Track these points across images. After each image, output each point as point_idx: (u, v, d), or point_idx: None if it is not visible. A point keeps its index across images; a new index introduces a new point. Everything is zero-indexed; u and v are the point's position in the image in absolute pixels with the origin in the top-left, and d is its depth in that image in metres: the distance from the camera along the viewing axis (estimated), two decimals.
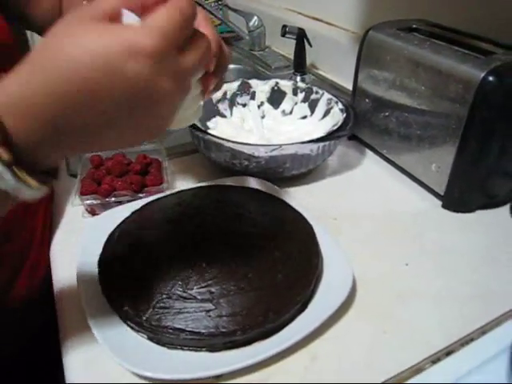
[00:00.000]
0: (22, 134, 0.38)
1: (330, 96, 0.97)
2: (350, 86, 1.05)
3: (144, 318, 0.56)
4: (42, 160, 0.40)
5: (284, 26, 1.30)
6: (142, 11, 0.41)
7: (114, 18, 0.40)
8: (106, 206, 0.79)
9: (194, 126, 0.85)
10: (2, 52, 0.64)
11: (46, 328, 0.69)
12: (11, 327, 0.76)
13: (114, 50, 0.37)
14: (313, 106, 1.01)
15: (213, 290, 0.59)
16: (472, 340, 0.59)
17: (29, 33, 1.63)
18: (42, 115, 0.38)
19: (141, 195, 0.81)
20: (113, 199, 0.79)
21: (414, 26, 0.90)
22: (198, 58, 0.42)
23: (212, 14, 1.60)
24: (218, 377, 0.53)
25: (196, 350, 0.56)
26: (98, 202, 0.78)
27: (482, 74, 0.69)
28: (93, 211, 0.80)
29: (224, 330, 0.55)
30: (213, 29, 0.52)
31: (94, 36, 0.37)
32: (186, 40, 0.41)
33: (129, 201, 0.79)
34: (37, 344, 0.81)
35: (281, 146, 0.79)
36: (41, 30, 0.80)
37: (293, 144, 0.80)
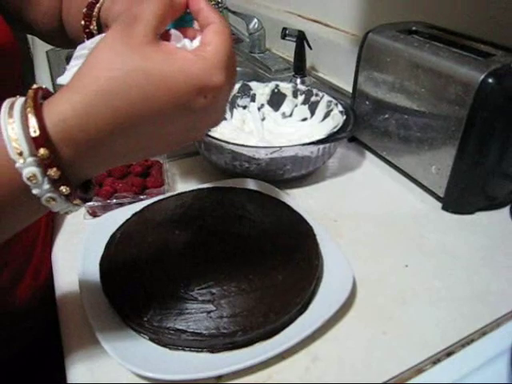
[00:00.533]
0: (75, 159, 0.40)
1: (329, 98, 0.97)
2: (349, 88, 1.05)
3: (145, 319, 0.56)
4: (81, 176, 0.43)
5: (284, 29, 1.30)
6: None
7: (164, 35, 0.43)
8: (107, 208, 0.79)
9: None
10: (4, 55, 0.64)
11: (49, 328, 0.69)
12: (14, 328, 0.76)
13: (185, 88, 0.40)
14: (313, 108, 1.01)
15: (214, 291, 0.59)
16: (472, 341, 0.59)
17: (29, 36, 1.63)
18: (101, 146, 0.40)
19: (142, 197, 0.81)
20: (114, 201, 0.79)
21: (414, 28, 0.90)
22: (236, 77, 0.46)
23: None
24: (219, 377, 0.54)
25: (197, 351, 0.56)
26: (99, 203, 0.79)
27: (482, 76, 0.69)
28: (94, 213, 0.80)
29: (225, 331, 0.55)
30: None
31: (162, 67, 0.39)
32: None
33: (130, 202, 0.79)
34: (39, 345, 0.82)
35: (281, 147, 0.79)
36: (40, 33, 0.80)
37: (293, 146, 0.80)
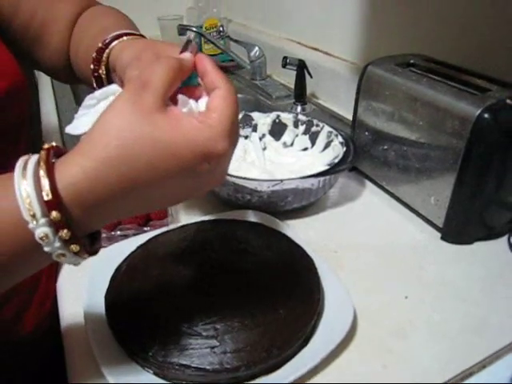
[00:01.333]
0: (84, 219, 0.42)
1: (330, 129, 0.99)
2: (349, 116, 1.07)
3: (150, 354, 0.57)
4: (88, 230, 0.45)
5: (285, 58, 1.32)
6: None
7: (171, 97, 0.45)
8: (111, 239, 0.80)
9: None
10: (13, 90, 0.66)
11: (54, 357, 0.70)
12: (20, 359, 0.77)
13: (191, 155, 0.42)
14: (313, 139, 1.03)
15: (217, 326, 0.60)
16: (472, 374, 0.60)
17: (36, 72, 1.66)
18: (108, 206, 0.42)
19: (146, 229, 0.82)
20: (118, 232, 0.81)
21: (412, 61, 0.92)
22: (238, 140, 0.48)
23: (214, 43, 1.63)
24: None
25: None
26: (104, 235, 0.80)
27: (478, 112, 0.71)
28: None
29: (228, 367, 0.56)
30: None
31: (169, 135, 0.41)
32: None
33: (134, 234, 0.80)
34: (45, 373, 0.82)
35: (282, 180, 0.81)
36: (47, 71, 0.82)
37: (294, 179, 0.82)
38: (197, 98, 0.49)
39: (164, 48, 0.54)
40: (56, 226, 0.40)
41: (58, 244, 0.41)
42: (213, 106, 0.45)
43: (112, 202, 0.42)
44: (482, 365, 0.61)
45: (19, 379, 0.78)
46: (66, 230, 0.40)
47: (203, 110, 0.47)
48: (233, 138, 0.44)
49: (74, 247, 0.42)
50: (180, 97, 0.46)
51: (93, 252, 0.47)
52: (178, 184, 0.44)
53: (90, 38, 0.67)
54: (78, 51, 0.72)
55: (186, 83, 0.49)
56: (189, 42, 0.52)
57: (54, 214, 0.39)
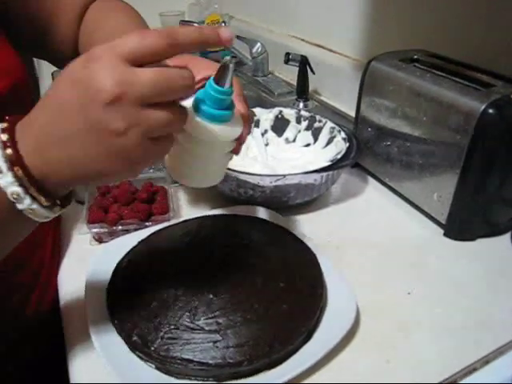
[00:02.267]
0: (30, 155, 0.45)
1: (332, 125, 0.99)
2: (351, 112, 1.06)
3: (152, 349, 0.57)
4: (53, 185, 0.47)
5: (287, 54, 1.32)
6: None
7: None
8: (112, 234, 0.80)
9: None
10: (16, 88, 0.66)
11: (55, 352, 0.70)
12: (21, 352, 0.77)
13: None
14: (316, 134, 1.03)
15: (220, 320, 0.60)
16: (475, 370, 0.59)
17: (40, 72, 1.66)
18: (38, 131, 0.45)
19: (147, 224, 0.82)
20: (120, 227, 0.80)
21: (415, 56, 0.92)
22: (164, 120, 0.44)
23: None
24: None
25: (203, 380, 0.57)
26: (105, 230, 0.80)
27: (482, 107, 0.71)
28: (100, 239, 0.81)
29: (231, 361, 0.56)
30: (243, 103, 0.60)
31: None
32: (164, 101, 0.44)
33: (136, 229, 0.80)
34: (46, 369, 0.82)
35: (285, 175, 0.80)
36: (53, 59, 0.83)
37: (296, 174, 0.82)
38: None
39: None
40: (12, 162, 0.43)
41: (28, 200, 0.44)
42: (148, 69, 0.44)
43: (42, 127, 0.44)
44: (486, 360, 0.61)
45: (20, 372, 0.78)
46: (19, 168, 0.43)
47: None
48: (135, 93, 0.41)
49: (44, 200, 0.46)
50: None
51: (64, 204, 0.49)
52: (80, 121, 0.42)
53: (106, 33, 0.69)
54: (91, 43, 0.71)
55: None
56: (226, 66, 0.48)
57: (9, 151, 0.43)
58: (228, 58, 0.48)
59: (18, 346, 0.76)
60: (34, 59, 1.95)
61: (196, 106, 0.50)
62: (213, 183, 0.61)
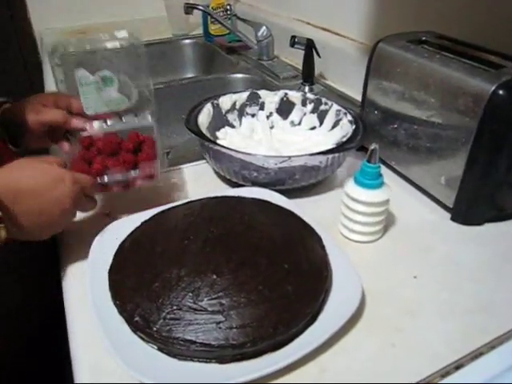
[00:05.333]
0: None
1: (338, 107, 0.98)
2: (357, 97, 1.05)
3: (154, 329, 0.57)
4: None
5: (293, 37, 1.30)
6: None
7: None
8: (97, 188, 0.77)
9: (203, 137, 0.86)
10: None
11: (57, 333, 0.70)
12: (17, 326, 0.78)
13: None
14: (322, 117, 1.02)
15: (223, 301, 0.59)
16: (481, 354, 0.59)
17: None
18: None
19: (134, 174, 0.78)
20: (105, 179, 0.77)
21: (423, 38, 0.90)
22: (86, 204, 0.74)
23: (221, 23, 1.61)
24: None
25: (206, 362, 0.56)
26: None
27: (492, 88, 0.69)
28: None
29: (234, 342, 0.55)
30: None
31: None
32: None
33: (123, 184, 0.79)
34: (48, 351, 0.82)
35: (290, 157, 0.79)
36: None
37: (302, 156, 0.81)
38: None
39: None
40: None
41: None
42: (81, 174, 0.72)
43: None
44: (492, 345, 0.60)
45: (18, 341, 0.79)
46: None
47: None
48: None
49: None
50: None
51: None
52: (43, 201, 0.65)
53: None
54: None
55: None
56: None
57: None
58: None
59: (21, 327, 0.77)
60: (38, 44, 1.96)
61: None
62: None
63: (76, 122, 0.83)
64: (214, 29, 1.82)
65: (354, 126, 0.90)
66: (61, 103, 0.85)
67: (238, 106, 1.06)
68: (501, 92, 0.69)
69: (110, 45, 0.85)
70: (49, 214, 0.66)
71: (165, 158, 0.85)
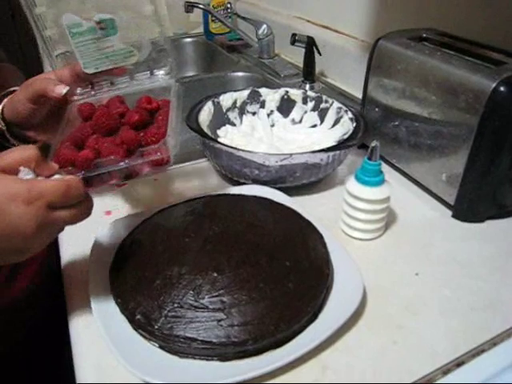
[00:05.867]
0: None
1: (339, 105, 0.97)
2: (358, 94, 1.05)
3: (156, 327, 0.56)
4: None
5: (293, 35, 1.30)
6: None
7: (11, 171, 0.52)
8: (88, 186, 0.59)
9: (204, 135, 0.86)
10: None
11: (58, 331, 0.70)
12: (17, 316, 0.78)
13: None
14: (322, 115, 1.01)
15: (224, 299, 0.59)
16: (483, 351, 0.59)
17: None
18: None
19: (133, 161, 0.60)
20: (94, 173, 0.59)
21: (424, 35, 0.90)
22: (68, 216, 0.54)
23: (221, 21, 1.61)
24: None
25: (207, 360, 0.56)
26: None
27: (494, 84, 0.69)
28: None
29: (235, 340, 0.55)
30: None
31: None
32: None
33: (122, 174, 0.65)
34: (48, 348, 0.83)
35: (291, 155, 0.79)
36: None
37: (303, 153, 0.80)
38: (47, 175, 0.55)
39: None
40: None
41: None
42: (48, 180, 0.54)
43: None
44: (493, 342, 0.60)
45: (18, 333, 0.79)
46: None
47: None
48: (44, 200, 0.51)
49: None
50: (21, 168, 0.53)
51: None
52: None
53: None
54: None
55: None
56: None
57: None
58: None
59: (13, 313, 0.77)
60: (38, 42, 1.95)
61: None
62: None
63: (57, 88, 0.68)
64: (214, 27, 1.82)
65: (354, 124, 0.90)
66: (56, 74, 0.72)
67: (238, 104, 1.06)
68: (502, 89, 0.69)
69: None
70: (7, 241, 0.51)
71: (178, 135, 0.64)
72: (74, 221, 0.56)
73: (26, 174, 0.53)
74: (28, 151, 0.54)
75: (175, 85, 0.72)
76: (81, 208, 0.56)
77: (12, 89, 0.78)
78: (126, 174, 0.65)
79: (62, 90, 0.68)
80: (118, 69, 0.72)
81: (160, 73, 0.74)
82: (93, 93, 0.73)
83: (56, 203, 0.52)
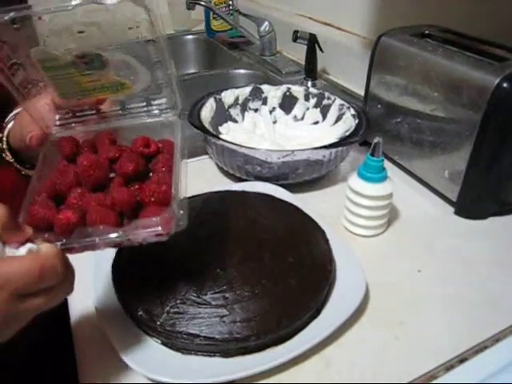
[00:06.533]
0: None
1: (342, 102, 0.97)
2: (360, 92, 1.05)
3: (158, 323, 0.56)
4: None
5: (295, 32, 1.30)
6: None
7: None
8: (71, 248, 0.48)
9: (206, 131, 0.86)
10: None
11: (61, 331, 0.70)
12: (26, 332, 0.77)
13: None
14: (325, 112, 1.01)
15: (227, 295, 0.59)
16: (486, 348, 0.59)
17: None
18: None
19: (127, 234, 0.48)
20: (77, 244, 0.48)
21: (427, 31, 0.90)
22: (42, 303, 0.44)
23: (223, 18, 1.61)
24: (232, 382, 0.53)
25: (210, 356, 0.56)
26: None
27: (497, 81, 0.69)
28: None
29: (238, 336, 0.55)
30: None
31: None
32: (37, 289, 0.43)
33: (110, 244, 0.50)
34: (51, 348, 0.82)
35: (293, 151, 0.79)
36: None
37: (305, 150, 0.80)
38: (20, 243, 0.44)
39: None
40: None
41: None
42: (15, 262, 0.42)
43: None
44: (496, 339, 0.60)
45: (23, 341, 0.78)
46: None
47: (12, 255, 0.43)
48: (9, 289, 0.41)
49: None
50: None
51: None
52: None
53: None
54: None
55: None
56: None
57: None
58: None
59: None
60: (40, 40, 1.95)
61: None
62: None
63: (29, 136, 0.61)
64: (216, 24, 1.81)
65: (357, 121, 0.90)
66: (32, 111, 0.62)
67: (240, 101, 1.06)
68: (505, 85, 0.68)
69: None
70: None
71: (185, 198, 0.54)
72: (50, 306, 0.45)
73: None
74: None
75: (179, 121, 0.60)
76: (59, 289, 0.46)
77: (16, 111, 0.75)
78: (116, 243, 0.50)
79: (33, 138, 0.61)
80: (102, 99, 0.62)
81: (159, 102, 0.61)
82: (74, 124, 0.62)
83: (26, 290, 0.42)
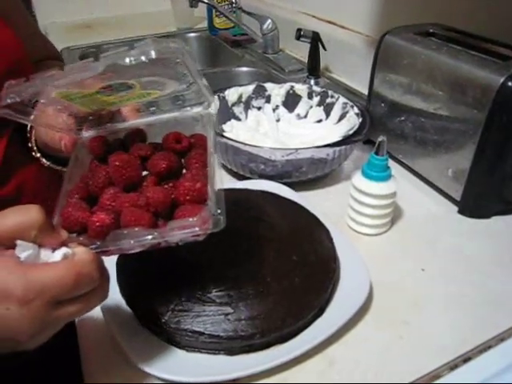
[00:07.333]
0: None
1: (345, 100, 0.97)
2: (363, 90, 1.05)
3: (163, 321, 0.56)
4: None
5: (298, 30, 1.30)
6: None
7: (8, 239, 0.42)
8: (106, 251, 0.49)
9: None
10: (14, 68, 0.65)
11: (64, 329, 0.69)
12: None
13: None
14: (328, 110, 1.01)
15: (231, 293, 0.59)
16: (490, 347, 0.59)
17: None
18: None
19: (164, 236, 0.47)
20: (112, 246, 0.48)
21: (431, 30, 0.90)
22: (77, 310, 0.44)
23: (226, 16, 1.61)
24: (236, 380, 0.53)
25: (214, 353, 0.56)
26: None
27: (501, 79, 0.69)
28: None
29: (243, 334, 0.55)
30: None
31: None
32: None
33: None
34: (53, 337, 0.82)
35: (297, 150, 0.79)
36: None
37: (309, 148, 0.80)
38: (55, 247, 0.44)
39: None
40: None
41: None
42: (50, 268, 0.42)
43: None
44: (500, 338, 0.60)
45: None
46: None
47: (46, 261, 0.43)
48: (45, 297, 0.41)
49: None
50: (18, 242, 0.42)
51: None
52: None
53: None
54: None
55: None
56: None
57: None
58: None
59: None
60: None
61: None
62: None
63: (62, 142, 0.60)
64: (218, 22, 1.81)
65: (360, 119, 0.90)
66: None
67: (244, 99, 1.05)
68: (510, 84, 0.68)
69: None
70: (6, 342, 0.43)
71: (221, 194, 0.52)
72: (84, 313, 0.45)
73: (23, 249, 0.42)
74: (29, 213, 0.42)
75: (210, 115, 0.57)
76: (94, 296, 0.45)
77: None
78: (151, 245, 0.49)
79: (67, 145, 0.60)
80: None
81: (189, 98, 0.58)
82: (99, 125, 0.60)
83: (61, 298, 0.42)
